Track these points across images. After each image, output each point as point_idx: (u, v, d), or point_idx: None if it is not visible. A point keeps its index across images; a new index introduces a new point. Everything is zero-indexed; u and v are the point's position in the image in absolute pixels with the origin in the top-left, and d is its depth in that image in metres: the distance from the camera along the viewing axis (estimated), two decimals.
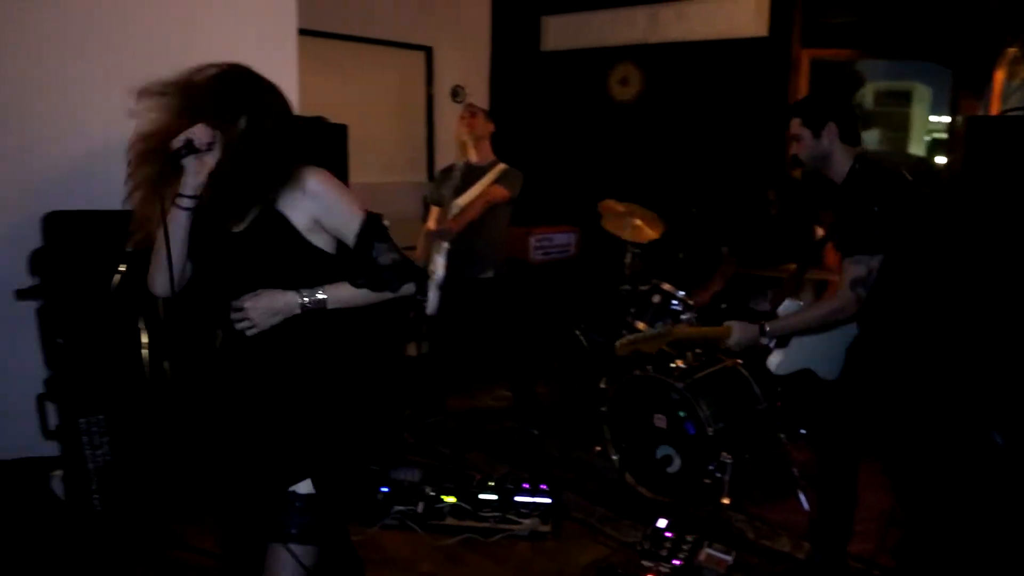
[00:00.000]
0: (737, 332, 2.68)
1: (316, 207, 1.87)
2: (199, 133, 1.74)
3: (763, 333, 2.64)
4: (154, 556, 3.03)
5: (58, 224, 3.05)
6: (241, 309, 1.82)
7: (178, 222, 1.80)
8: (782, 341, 2.83)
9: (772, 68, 5.27)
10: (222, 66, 1.86)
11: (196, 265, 1.93)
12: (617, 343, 2.95)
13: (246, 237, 1.89)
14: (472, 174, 4.12)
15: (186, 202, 1.79)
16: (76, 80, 3.30)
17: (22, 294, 3.02)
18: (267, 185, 1.83)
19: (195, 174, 1.78)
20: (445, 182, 4.19)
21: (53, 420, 3.03)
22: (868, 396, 2.72)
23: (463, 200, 4.04)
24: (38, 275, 3.01)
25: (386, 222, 4.15)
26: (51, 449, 3.09)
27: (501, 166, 4.13)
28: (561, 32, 6.34)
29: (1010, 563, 2.00)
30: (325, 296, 1.87)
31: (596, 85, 6.14)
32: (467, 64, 6.44)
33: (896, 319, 2.57)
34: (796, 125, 2.68)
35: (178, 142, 1.73)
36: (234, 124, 1.79)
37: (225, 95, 1.81)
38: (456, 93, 6.33)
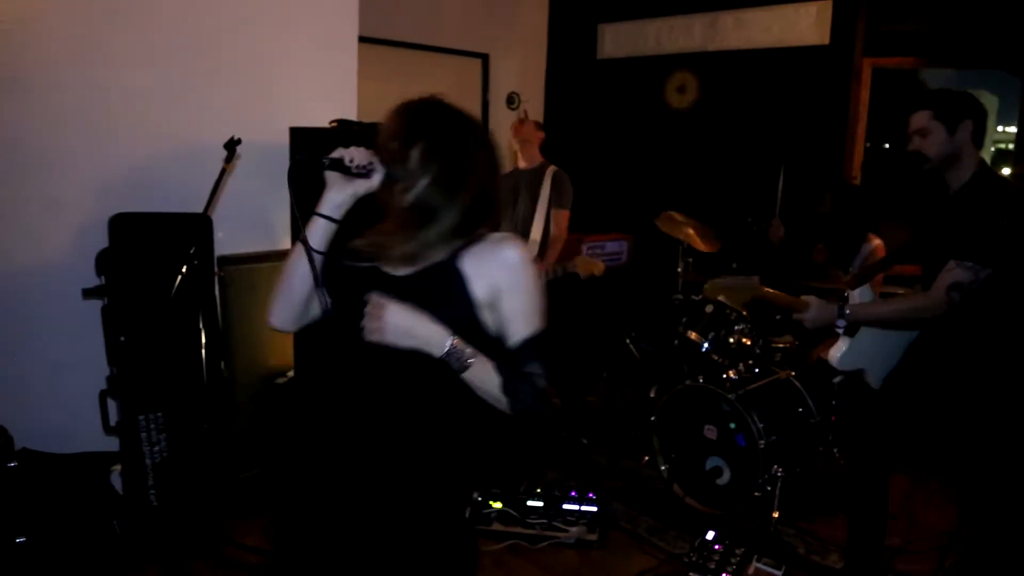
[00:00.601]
0: (815, 308, 2.64)
1: (505, 281, 1.55)
2: (354, 153, 1.54)
3: (841, 315, 2.58)
4: (208, 552, 3.08)
5: (123, 226, 3.12)
6: (381, 306, 1.49)
7: (302, 246, 1.57)
8: (851, 330, 2.74)
9: (833, 77, 5.14)
10: (417, 98, 1.63)
11: (337, 305, 1.59)
12: (706, 284, 2.88)
13: (409, 284, 1.58)
14: (522, 179, 4.15)
15: (319, 222, 1.60)
16: (145, 88, 3.38)
17: (88, 293, 3.10)
18: (439, 229, 1.55)
19: (337, 192, 1.58)
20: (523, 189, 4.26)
21: (114, 416, 3.11)
22: (931, 405, 2.63)
23: (535, 233, 4.12)
24: (103, 275, 3.09)
25: None
26: (112, 444, 3.17)
27: (551, 169, 4.15)
28: (618, 40, 6.30)
29: None
30: (474, 361, 1.50)
31: (653, 93, 6.08)
32: (523, 71, 6.45)
33: (977, 330, 2.48)
34: (926, 118, 2.55)
35: (331, 155, 1.55)
36: (406, 153, 1.54)
37: (400, 122, 1.59)
38: (511, 100, 6.33)
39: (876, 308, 2.63)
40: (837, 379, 3.67)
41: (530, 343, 1.57)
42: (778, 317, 3.67)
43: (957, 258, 2.41)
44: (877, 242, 4.04)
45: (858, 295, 2.73)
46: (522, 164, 4.24)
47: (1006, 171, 6.82)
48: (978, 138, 2.53)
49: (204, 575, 2.94)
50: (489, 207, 1.61)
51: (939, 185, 2.62)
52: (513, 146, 4.25)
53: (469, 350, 1.51)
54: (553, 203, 4.10)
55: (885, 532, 2.79)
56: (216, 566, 3.00)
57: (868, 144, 5.34)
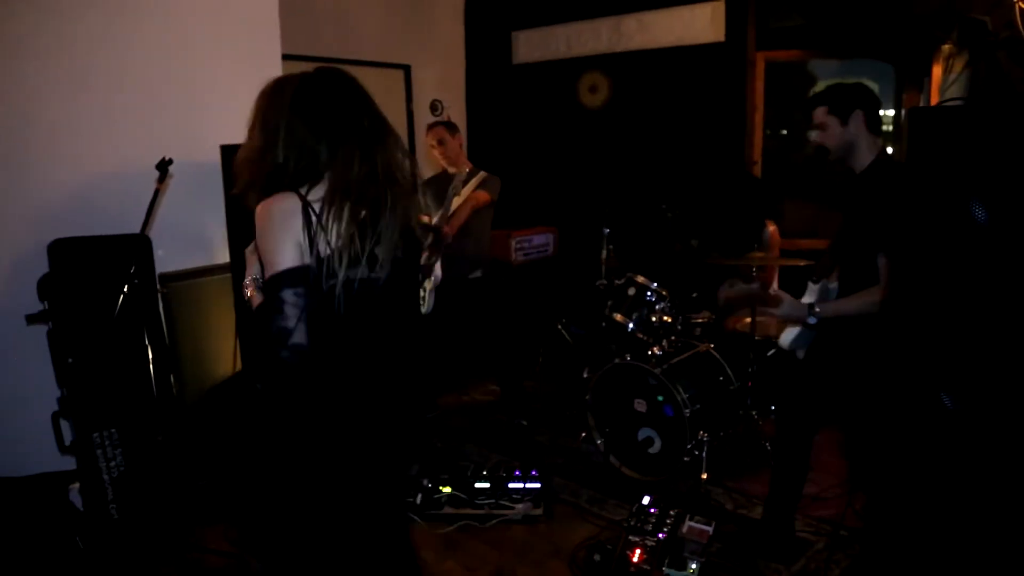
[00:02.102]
0: (787, 305, 2.74)
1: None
2: None
3: (811, 314, 2.69)
4: (175, 558, 3.03)
5: (63, 251, 3.05)
6: None
7: None
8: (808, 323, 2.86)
9: (730, 71, 5.32)
10: None
11: None
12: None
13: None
14: (453, 182, 4.17)
15: None
16: (73, 115, 3.31)
17: (32, 318, 3.03)
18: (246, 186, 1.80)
19: None
20: (428, 193, 4.23)
21: (68, 436, 3.04)
22: (827, 370, 2.77)
23: (453, 206, 4.07)
24: (46, 300, 3.02)
25: None
26: (68, 463, 3.10)
27: (482, 173, 4.17)
28: (531, 45, 6.37)
29: (964, 520, 2.04)
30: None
31: (567, 93, 6.18)
32: (444, 79, 6.47)
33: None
34: (822, 114, 2.65)
35: None
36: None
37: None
38: (435, 107, 6.35)
39: (842, 305, 2.71)
40: (771, 352, 3.83)
41: (271, 280, 1.67)
42: (673, 338, 3.77)
43: (885, 253, 2.53)
44: (772, 228, 4.23)
45: (817, 291, 2.81)
46: (445, 163, 4.23)
47: (889, 150, 7.17)
48: (873, 125, 2.64)
49: None
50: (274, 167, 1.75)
51: (845, 170, 2.74)
52: (440, 163, 4.23)
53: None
54: (477, 186, 4.11)
55: (803, 484, 2.95)
56: (182, 572, 2.96)
57: (768, 132, 5.54)
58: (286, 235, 1.67)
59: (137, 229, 3.06)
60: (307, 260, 1.67)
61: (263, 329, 1.67)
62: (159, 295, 3.36)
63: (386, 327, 1.85)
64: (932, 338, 2.07)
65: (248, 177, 1.79)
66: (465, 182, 4.13)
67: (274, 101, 1.79)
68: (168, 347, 3.38)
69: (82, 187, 3.36)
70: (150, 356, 3.12)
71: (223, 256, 3.65)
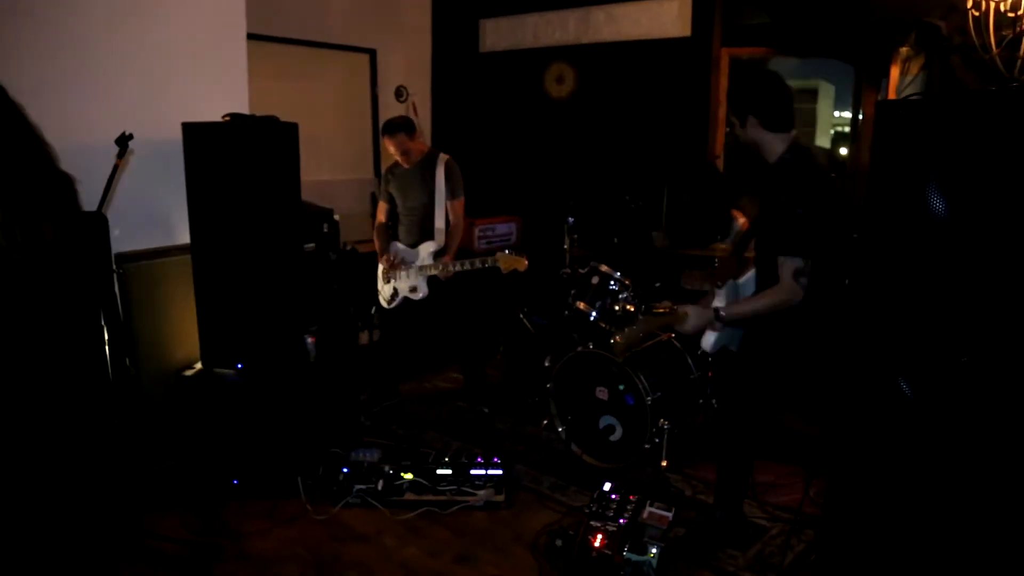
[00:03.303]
0: (693, 317, 2.75)
1: None
2: None
3: (717, 318, 2.71)
4: (128, 546, 2.95)
5: None
6: None
7: None
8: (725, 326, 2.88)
9: (695, 66, 5.36)
10: None
11: None
12: (616, 350, 3.20)
13: None
14: (414, 169, 4.13)
15: None
16: (28, 85, 3.15)
17: None
18: None
19: None
20: (392, 180, 4.21)
21: None
22: (763, 363, 2.81)
23: (438, 222, 4.09)
24: None
25: (336, 217, 4.13)
26: None
27: (443, 158, 4.13)
28: (498, 34, 6.33)
29: (922, 506, 2.09)
30: None
31: (533, 83, 6.16)
32: (410, 65, 6.40)
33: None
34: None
35: None
36: None
37: None
38: (400, 93, 6.28)
39: (747, 306, 2.74)
40: (699, 352, 3.86)
41: None
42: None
43: (780, 254, 2.60)
44: (743, 220, 4.27)
45: (724, 293, 2.86)
46: (407, 166, 4.16)
47: (843, 151, 7.30)
48: (772, 124, 2.67)
49: (125, 568, 2.82)
50: None
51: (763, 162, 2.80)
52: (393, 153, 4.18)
53: None
54: (448, 194, 4.09)
55: (750, 473, 3.00)
56: (137, 559, 2.89)
57: (728, 127, 5.61)
58: None
59: (93, 206, 2.95)
60: None
61: None
62: (115, 275, 3.26)
63: None
64: (892, 326, 2.11)
65: None
66: (423, 168, 4.09)
67: None
68: (124, 329, 3.29)
69: None
70: (105, 338, 3.02)
71: (184, 237, 3.55)
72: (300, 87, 5.58)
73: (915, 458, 2.10)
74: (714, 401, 3.79)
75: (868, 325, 2.17)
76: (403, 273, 4.17)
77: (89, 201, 2.95)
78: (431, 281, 4.13)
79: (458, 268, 3.99)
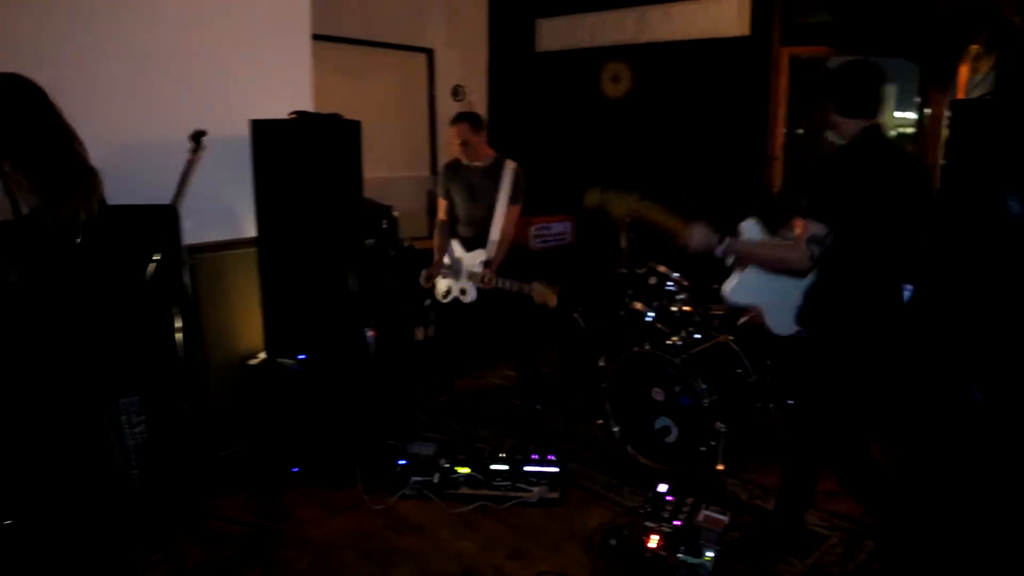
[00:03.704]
0: (698, 235, 2.70)
1: None
2: None
3: (720, 243, 2.66)
4: (192, 526, 3.05)
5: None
6: None
7: None
8: (740, 265, 2.80)
9: (754, 65, 5.29)
10: None
11: None
12: (587, 192, 3.00)
13: None
14: (480, 175, 4.12)
15: None
16: (107, 85, 3.30)
17: None
18: None
19: None
20: (454, 180, 4.20)
21: None
22: (862, 366, 2.70)
23: (494, 234, 4.09)
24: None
25: (395, 213, 4.18)
26: None
27: (509, 166, 4.09)
28: (555, 33, 6.34)
29: (993, 515, 2.03)
30: None
31: (589, 83, 6.15)
32: (467, 65, 6.45)
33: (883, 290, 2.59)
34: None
35: None
36: None
37: None
38: (456, 92, 6.33)
39: (750, 248, 2.68)
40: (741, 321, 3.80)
41: None
42: (691, 328, 3.66)
43: (809, 217, 2.53)
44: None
45: (746, 230, 2.78)
46: (466, 161, 4.13)
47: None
48: (847, 110, 2.59)
49: (190, 549, 2.91)
50: None
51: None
52: (457, 154, 4.17)
53: None
54: (509, 199, 4.08)
55: (816, 481, 2.93)
56: (201, 540, 2.98)
57: (800, 129, 5.52)
58: None
59: (164, 200, 3.03)
60: None
61: None
62: (186, 266, 3.36)
63: None
64: (964, 331, 2.06)
65: None
66: (489, 176, 4.09)
67: None
68: (194, 317, 3.38)
69: (112, 156, 3.34)
70: (177, 326, 3.12)
71: (249, 230, 3.64)
72: (359, 86, 5.66)
73: (984, 465, 2.05)
74: (771, 405, 3.74)
75: (939, 329, 2.12)
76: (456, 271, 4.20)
77: (158, 194, 3.06)
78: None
79: (496, 285, 3.99)
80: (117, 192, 3.18)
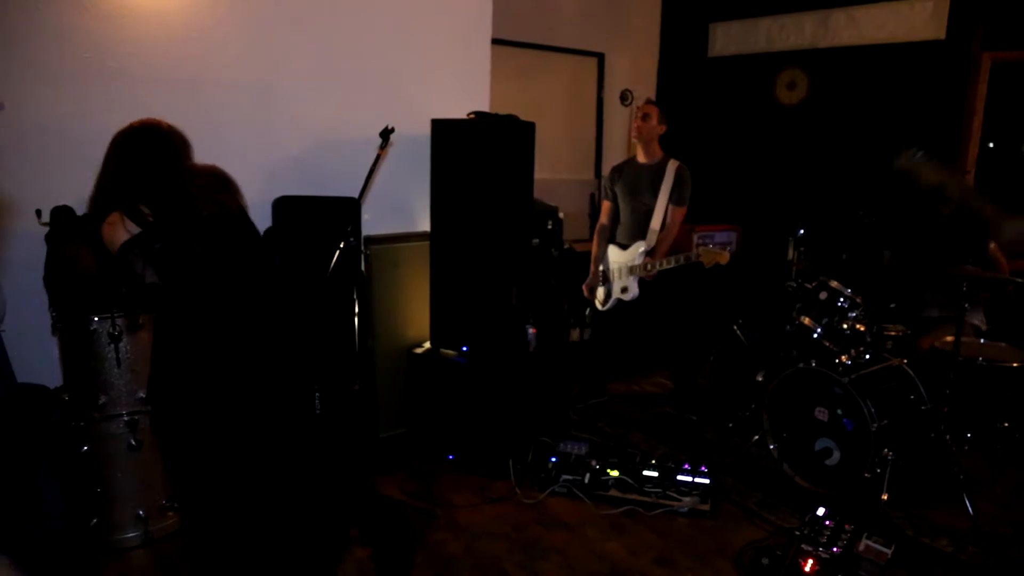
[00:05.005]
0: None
1: None
2: None
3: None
4: (365, 499, 3.25)
5: (285, 207, 3.34)
6: None
7: None
8: None
9: (948, 71, 4.93)
10: None
11: None
12: (902, 152, 3.03)
13: None
14: (644, 173, 4.15)
15: None
16: (302, 84, 3.59)
17: None
18: None
19: None
20: (619, 180, 4.24)
21: None
22: None
23: (654, 223, 4.09)
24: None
25: (561, 215, 4.26)
26: None
27: (673, 164, 4.11)
28: (729, 38, 6.21)
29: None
30: None
31: (762, 89, 5.98)
32: (636, 69, 6.45)
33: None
34: None
35: None
36: None
37: None
38: (625, 97, 6.34)
39: None
40: None
41: None
42: (862, 348, 3.45)
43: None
44: (993, 245, 3.87)
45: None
46: (641, 159, 4.21)
47: None
48: None
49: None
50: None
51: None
52: (633, 139, 4.24)
53: None
54: (673, 199, 4.08)
55: None
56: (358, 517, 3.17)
57: (991, 143, 5.10)
58: None
59: (345, 192, 3.27)
60: None
61: None
62: (363, 256, 3.60)
63: None
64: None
65: None
66: (654, 173, 4.10)
67: None
68: (368, 304, 3.62)
69: (304, 150, 3.64)
70: (356, 312, 3.35)
71: (423, 224, 3.85)
72: (530, 88, 5.81)
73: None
74: (948, 437, 3.49)
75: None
76: (613, 275, 4.22)
77: (341, 187, 3.29)
78: (642, 282, 4.14)
79: (661, 266, 3.97)
80: (305, 182, 3.48)
